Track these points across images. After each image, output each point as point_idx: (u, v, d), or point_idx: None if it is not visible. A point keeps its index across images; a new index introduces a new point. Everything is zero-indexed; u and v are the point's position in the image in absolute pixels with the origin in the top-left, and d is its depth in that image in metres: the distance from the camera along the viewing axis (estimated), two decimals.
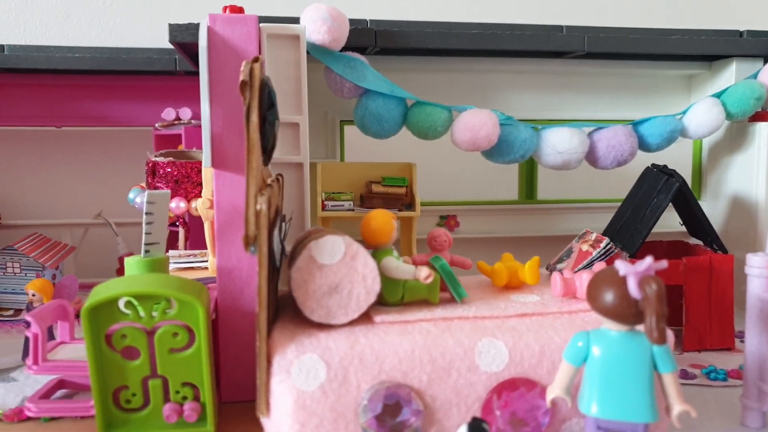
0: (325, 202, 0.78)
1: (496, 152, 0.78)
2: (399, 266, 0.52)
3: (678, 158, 0.92)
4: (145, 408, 0.51)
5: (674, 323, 0.73)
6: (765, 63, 0.88)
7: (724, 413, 0.56)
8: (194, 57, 0.79)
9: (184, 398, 0.51)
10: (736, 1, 1.21)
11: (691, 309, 0.72)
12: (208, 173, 0.73)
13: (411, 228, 0.80)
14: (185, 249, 0.86)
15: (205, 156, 0.55)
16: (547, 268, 0.68)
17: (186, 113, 0.96)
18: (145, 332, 0.50)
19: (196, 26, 0.70)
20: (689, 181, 0.85)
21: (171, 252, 0.80)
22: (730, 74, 0.90)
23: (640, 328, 0.43)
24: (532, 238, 0.96)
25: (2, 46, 0.90)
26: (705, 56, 0.91)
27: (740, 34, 0.90)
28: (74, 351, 0.59)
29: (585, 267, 0.62)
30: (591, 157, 0.81)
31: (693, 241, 0.83)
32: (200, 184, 0.80)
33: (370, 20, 0.80)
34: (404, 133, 0.79)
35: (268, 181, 0.52)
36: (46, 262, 0.86)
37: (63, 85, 0.95)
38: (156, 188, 0.79)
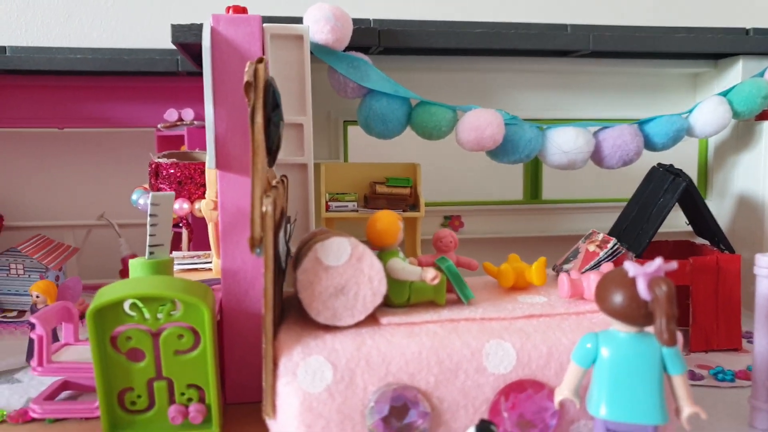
0: (329, 203, 0.77)
1: (501, 152, 0.77)
2: (405, 267, 0.52)
3: (684, 157, 0.92)
4: (150, 410, 0.51)
5: (681, 324, 0.72)
6: None
7: (732, 414, 0.56)
8: (197, 58, 0.78)
9: (190, 400, 0.51)
10: None
11: (697, 309, 0.71)
12: (211, 174, 0.73)
13: (415, 229, 0.80)
14: (188, 250, 0.86)
15: (210, 157, 0.55)
16: (553, 269, 0.67)
17: (188, 114, 0.96)
18: (150, 334, 0.50)
19: (199, 27, 0.69)
20: (695, 181, 0.84)
21: (174, 253, 0.80)
22: (737, 72, 0.89)
23: (649, 329, 0.42)
24: (536, 238, 0.95)
25: (4, 47, 0.90)
26: (711, 54, 0.91)
27: (746, 32, 0.89)
28: (79, 352, 0.59)
29: (592, 268, 0.61)
30: (596, 156, 0.81)
31: (699, 240, 0.83)
32: (203, 186, 0.79)
33: (374, 20, 0.80)
34: (408, 134, 0.79)
35: (273, 182, 0.52)
36: (50, 263, 0.86)
37: (65, 86, 0.95)
38: (159, 189, 0.78)
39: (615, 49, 0.83)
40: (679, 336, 0.45)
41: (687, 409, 0.42)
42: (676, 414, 0.43)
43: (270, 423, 0.47)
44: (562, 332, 0.50)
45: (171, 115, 0.96)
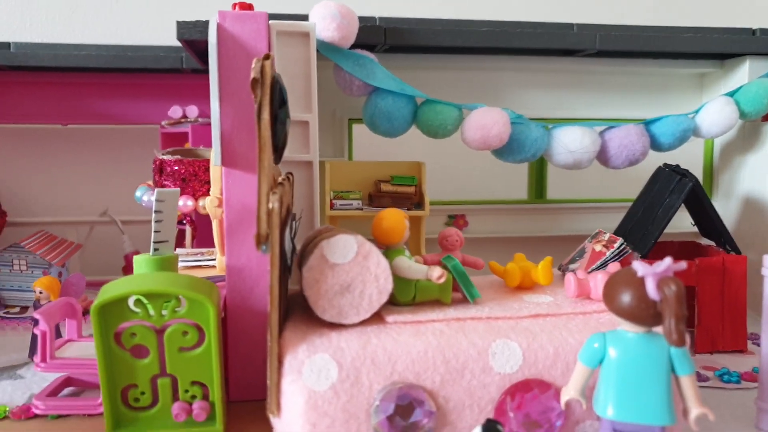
0: (334, 201, 0.77)
1: (506, 151, 0.77)
2: (411, 266, 0.51)
3: (689, 157, 0.91)
4: (153, 407, 0.51)
5: (686, 325, 0.72)
6: None
7: (738, 416, 0.55)
8: (202, 54, 0.78)
9: (193, 397, 0.51)
10: None
11: (703, 310, 0.71)
12: (216, 171, 0.73)
13: (420, 227, 0.80)
14: (192, 247, 0.86)
15: (215, 154, 0.55)
16: (559, 269, 0.67)
17: (193, 111, 0.95)
18: (154, 331, 0.50)
19: (205, 23, 0.69)
20: (700, 181, 0.84)
21: (177, 251, 0.80)
22: (743, 73, 0.89)
23: (657, 329, 0.42)
24: (541, 238, 0.95)
25: (8, 43, 0.90)
26: (717, 54, 0.90)
27: (753, 32, 0.89)
28: (82, 349, 0.59)
29: (599, 267, 0.61)
30: (602, 156, 0.80)
31: (704, 241, 0.82)
32: (208, 183, 0.79)
33: (380, 17, 0.79)
34: (412, 132, 0.78)
35: (279, 179, 0.51)
36: (53, 259, 0.86)
37: (69, 82, 0.95)
38: (163, 186, 0.78)
39: (621, 48, 0.83)
40: (687, 336, 0.45)
41: (695, 410, 0.42)
42: (683, 415, 0.43)
43: (274, 421, 0.47)
44: (569, 332, 0.49)
45: (175, 112, 0.96)
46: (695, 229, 0.83)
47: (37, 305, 0.66)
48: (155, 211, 0.55)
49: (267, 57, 0.45)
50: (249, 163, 0.55)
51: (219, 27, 0.54)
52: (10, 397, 0.58)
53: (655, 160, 0.82)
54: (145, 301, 0.49)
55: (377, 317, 0.50)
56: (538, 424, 0.47)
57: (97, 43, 0.93)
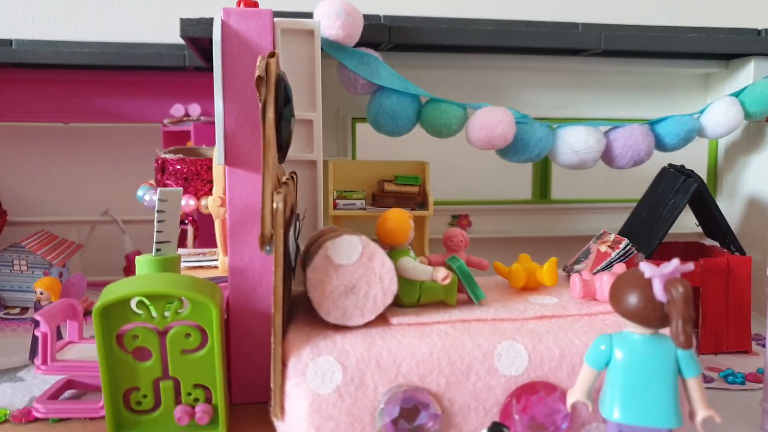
0: (337, 201, 0.77)
1: (511, 151, 0.77)
2: (416, 267, 0.51)
3: (694, 158, 0.91)
4: (156, 410, 0.51)
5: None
6: None
7: (743, 417, 0.55)
8: (205, 52, 0.78)
9: (196, 400, 0.51)
10: None
11: (708, 311, 0.71)
12: (218, 171, 0.72)
13: (424, 227, 0.79)
14: (194, 247, 0.86)
15: (218, 153, 0.55)
16: (564, 269, 0.67)
17: (195, 110, 0.95)
18: (157, 333, 0.49)
19: (209, 21, 0.69)
20: (705, 181, 0.83)
21: (179, 251, 0.79)
22: (748, 73, 0.88)
23: (664, 331, 0.42)
24: (545, 238, 0.94)
25: (10, 40, 0.89)
26: (722, 55, 0.90)
27: (758, 32, 0.88)
28: (83, 351, 0.58)
29: (604, 268, 0.60)
30: (607, 156, 0.80)
31: (708, 242, 0.82)
32: (210, 182, 0.79)
33: (384, 16, 0.79)
34: (416, 131, 0.78)
35: (283, 179, 0.51)
36: (54, 259, 0.85)
37: (70, 80, 0.95)
38: (165, 185, 0.78)
39: (626, 48, 0.83)
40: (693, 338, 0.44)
41: (701, 413, 0.42)
42: (689, 417, 0.42)
43: (278, 424, 0.47)
44: (575, 334, 0.49)
45: (177, 110, 0.95)
46: (699, 229, 0.83)
47: (37, 306, 0.66)
48: (158, 211, 0.54)
49: (272, 55, 0.45)
50: (252, 163, 0.55)
51: (223, 24, 0.54)
52: (11, 400, 0.58)
53: (660, 160, 0.82)
54: (147, 302, 0.49)
55: (382, 319, 0.50)
56: (543, 427, 0.47)
57: (99, 41, 0.92)
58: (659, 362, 0.41)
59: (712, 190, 0.97)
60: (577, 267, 0.64)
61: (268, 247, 0.44)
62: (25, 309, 0.84)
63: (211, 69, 0.55)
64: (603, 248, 0.62)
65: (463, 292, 0.54)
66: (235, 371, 0.56)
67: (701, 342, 0.71)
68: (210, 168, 0.79)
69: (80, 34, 1.05)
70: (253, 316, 0.56)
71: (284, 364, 0.45)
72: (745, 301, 0.71)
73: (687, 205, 0.74)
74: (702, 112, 0.82)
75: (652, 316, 0.41)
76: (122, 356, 0.49)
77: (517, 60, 0.88)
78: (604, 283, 0.55)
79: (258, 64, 0.44)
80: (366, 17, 0.73)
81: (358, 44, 0.72)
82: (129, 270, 0.96)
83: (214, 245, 0.78)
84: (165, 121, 0.96)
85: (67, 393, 0.58)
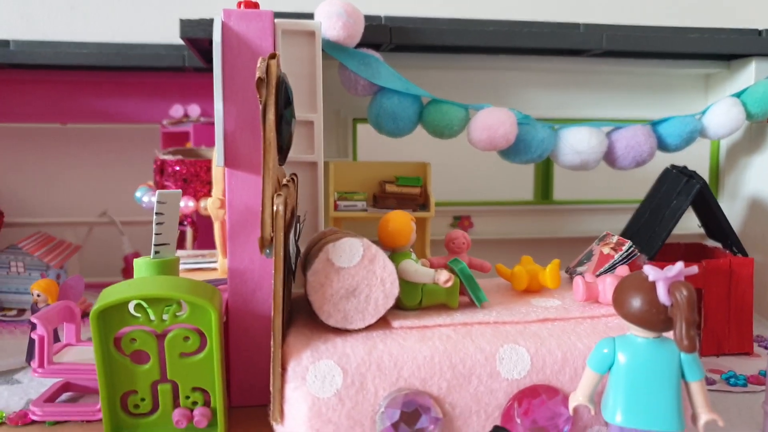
0: (338, 202, 0.76)
1: (513, 152, 0.76)
2: (418, 270, 0.51)
3: (695, 158, 0.90)
4: (154, 413, 0.50)
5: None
6: None
7: (745, 420, 0.55)
8: (205, 53, 0.77)
9: (195, 403, 0.50)
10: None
11: (710, 313, 0.70)
12: (218, 172, 0.72)
13: (425, 229, 0.79)
14: (193, 249, 0.85)
15: (218, 155, 0.54)
16: (566, 271, 0.66)
17: (194, 110, 0.95)
18: (155, 336, 0.49)
19: (209, 21, 0.68)
20: (707, 182, 0.83)
21: (178, 252, 0.79)
22: (750, 74, 0.88)
23: (667, 334, 0.41)
24: (547, 239, 0.94)
25: (7, 41, 0.88)
26: (723, 55, 0.90)
27: (759, 33, 0.88)
28: (80, 353, 0.58)
29: (607, 270, 0.60)
30: (609, 157, 0.80)
31: (711, 243, 0.82)
32: (209, 183, 0.78)
33: (385, 16, 0.78)
34: (417, 132, 0.78)
35: (284, 181, 0.51)
36: (51, 261, 0.85)
37: (68, 81, 0.94)
38: (164, 187, 0.77)
39: (628, 48, 0.82)
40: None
41: (704, 416, 0.41)
42: (692, 421, 0.42)
43: (277, 428, 0.46)
44: (577, 336, 0.49)
45: (177, 111, 0.95)
46: (701, 230, 0.83)
47: (35, 308, 0.65)
48: (156, 213, 0.54)
49: (273, 56, 0.44)
50: (252, 164, 0.54)
51: (224, 25, 0.53)
52: (7, 402, 0.57)
53: (661, 161, 0.82)
54: (145, 305, 0.48)
55: (383, 322, 0.50)
56: (545, 430, 0.46)
57: (97, 41, 0.92)
58: (662, 366, 0.41)
59: (714, 191, 0.96)
60: (579, 269, 0.63)
61: (267, 251, 0.43)
62: (22, 311, 0.83)
63: (210, 69, 0.55)
64: (606, 250, 0.62)
65: (465, 295, 0.54)
66: (235, 374, 0.56)
67: (703, 343, 0.71)
68: (209, 169, 0.78)
69: (79, 35, 1.04)
70: (252, 319, 0.55)
71: (284, 368, 0.45)
72: (747, 302, 0.71)
73: (689, 206, 0.74)
74: (704, 112, 0.82)
75: (655, 319, 0.41)
76: (120, 359, 0.49)
77: (518, 60, 0.87)
78: (607, 285, 0.54)
79: (259, 65, 0.43)
80: (367, 18, 0.72)
81: (359, 45, 0.72)
82: (127, 271, 0.95)
83: (213, 247, 0.77)
84: (164, 122, 0.96)
85: (64, 396, 0.58)
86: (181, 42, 0.75)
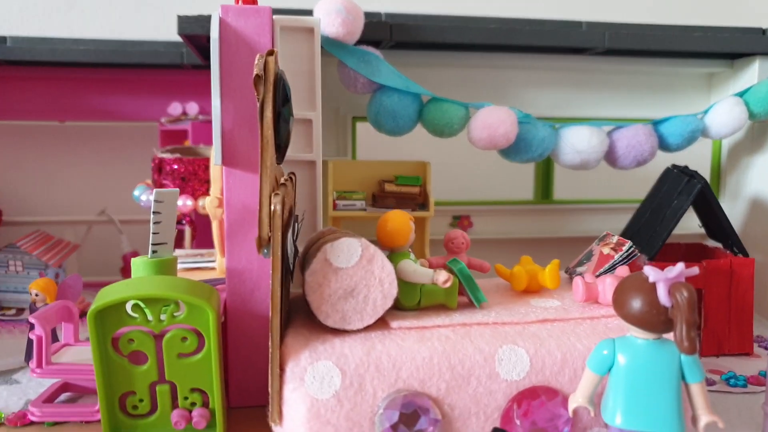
0: (337, 202, 0.76)
1: (513, 151, 0.76)
2: (417, 270, 0.50)
3: (697, 158, 0.90)
4: (152, 414, 0.50)
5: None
6: None
7: (745, 421, 0.54)
8: (203, 50, 0.77)
9: (193, 404, 0.50)
10: None
11: (710, 313, 0.70)
12: (216, 171, 0.71)
13: (424, 229, 0.78)
14: (191, 248, 0.85)
15: (216, 153, 0.54)
16: (566, 272, 0.66)
17: (193, 108, 0.94)
18: (152, 336, 0.49)
19: (207, 18, 0.68)
20: (708, 182, 0.83)
21: (176, 251, 0.79)
22: (753, 73, 0.88)
23: (668, 336, 0.41)
24: (547, 239, 0.94)
25: (4, 37, 0.88)
26: (727, 54, 0.89)
27: (763, 32, 0.88)
28: (79, 353, 0.58)
29: (607, 271, 0.60)
30: (610, 156, 0.79)
31: (711, 243, 0.81)
32: (208, 182, 0.78)
33: (385, 13, 0.78)
34: (417, 131, 0.77)
35: (282, 180, 0.50)
36: (49, 260, 0.85)
37: (66, 78, 0.94)
38: (162, 185, 0.77)
39: (630, 47, 0.82)
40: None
41: (704, 418, 0.41)
42: (692, 422, 0.42)
43: (276, 429, 0.46)
44: (577, 337, 0.48)
45: (175, 108, 0.94)
46: (702, 230, 0.82)
47: (33, 308, 0.65)
48: (154, 212, 0.53)
49: (271, 53, 0.44)
50: (250, 163, 0.54)
51: (221, 22, 0.53)
52: (6, 403, 0.57)
53: (663, 160, 0.81)
54: (143, 305, 0.48)
55: (381, 323, 0.49)
56: None
57: (95, 38, 0.91)
58: (662, 367, 0.41)
59: (715, 190, 0.96)
60: (579, 269, 0.63)
61: (265, 250, 0.43)
62: (20, 310, 0.83)
63: (208, 67, 0.54)
64: (606, 250, 0.62)
65: (464, 295, 0.53)
66: (233, 374, 0.55)
67: (703, 344, 0.70)
68: (207, 167, 0.78)
69: (76, 31, 1.04)
70: (250, 319, 0.55)
71: (282, 369, 0.45)
72: (748, 303, 0.71)
73: (690, 206, 0.73)
74: (706, 112, 0.82)
75: (655, 320, 0.40)
76: (118, 360, 0.49)
77: (519, 59, 0.87)
78: (607, 286, 0.54)
79: (256, 62, 0.43)
80: (367, 15, 0.72)
81: (359, 42, 0.71)
82: (126, 270, 0.95)
83: (212, 246, 0.77)
84: (162, 120, 0.95)
85: (63, 396, 0.58)
86: (179, 39, 0.74)
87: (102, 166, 1.04)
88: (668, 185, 0.77)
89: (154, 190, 0.53)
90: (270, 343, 0.44)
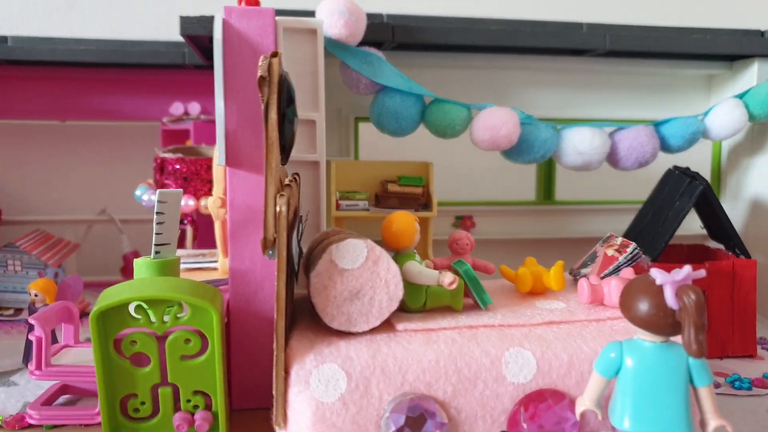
0: (340, 202, 0.76)
1: (515, 152, 0.76)
2: (422, 271, 0.50)
3: (697, 159, 0.90)
4: (154, 417, 0.49)
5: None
6: None
7: (750, 424, 0.54)
8: (205, 50, 0.76)
9: (196, 407, 0.49)
10: (758, 0, 1.19)
11: (713, 315, 0.70)
12: (219, 171, 0.71)
13: (427, 229, 0.78)
14: (193, 248, 0.84)
15: (219, 154, 0.53)
16: (570, 273, 0.66)
17: (194, 108, 0.94)
18: (155, 338, 0.48)
19: (209, 19, 0.67)
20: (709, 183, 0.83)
21: (178, 252, 0.78)
22: (752, 74, 0.88)
23: (675, 339, 0.41)
24: (549, 239, 0.94)
25: (5, 37, 0.87)
26: (726, 56, 0.90)
27: (762, 33, 0.88)
28: (79, 355, 0.57)
29: (611, 273, 0.60)
30: (612, 157, 0.79)
31: (713, 244, 0.82)
32: (210, 182, 0.78)
33: (388, 15, 0.78)
34: (420, 131, 0.77)
35: (286, 180, 0.50)
36: (49, 260, 0.84)
37: (67, 77, 0.93)
38: (164, 185, 0.77)
39: (631, 48, 0.82)
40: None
41: (713, 422, 0.41)
42: (700, 426, 0.41)
43: None
44: (583, 340, 0.48)
45: (177, 108, 0.94)
46: (704, 231, 0.82)
47: (32, 308, 0.64)
48: (157, 213, 0.53)
49: (275, 54, 0.44)
50: (254, 164, 0.54)
51: (225, 23, 0.53)
52: (3, 405, 0.56)
53: (663, 161, 0.81)
54: (146, 307, 0.48)
55: (387, 325, 0.49)
56: None
57: (96, 38, 0.91)
58: (670, 370, 0.41)
59: (716, 191, 0.96)
60: (583, 271, 0.63)
61: (270, 252, 0.43)
62: (19, 310, 0.82)
63: (210, 67, 0.54)
64: (610, 252, 0.61)
65: (470, 297, 0.53)
66: (236, 377, 0.55)
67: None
68: (210, 167, 0.78)
69: (77, 31, 1.03)
70: (254, 320, 0.55)
71: (287, 372, 0.44)
72: (751, 304, 0.71)
73: (692, 207, 0.73)
74: (706, 113, 0.82)
75: (663, 323, 0.40)
76: (120, 362, 0.48)
77: (521, 60, 0.87)
78: (612, 287, 0.54)
79: (260, 63, 0.43)
80: (369, 16, 0.72)
81: (362, 43, 0.71)
82: (127, 270, 0.95)
83: (214, 246, 0.77)
84: (164, 120, 0.95)
85: (62, 398, 0.57)
86: (181, 39, 0.74)
87: (103, 166, 1.03)
88: (670, 187, 0.77)
89: (158, 191, 0.53)
90: (275, 346, 0.44)
